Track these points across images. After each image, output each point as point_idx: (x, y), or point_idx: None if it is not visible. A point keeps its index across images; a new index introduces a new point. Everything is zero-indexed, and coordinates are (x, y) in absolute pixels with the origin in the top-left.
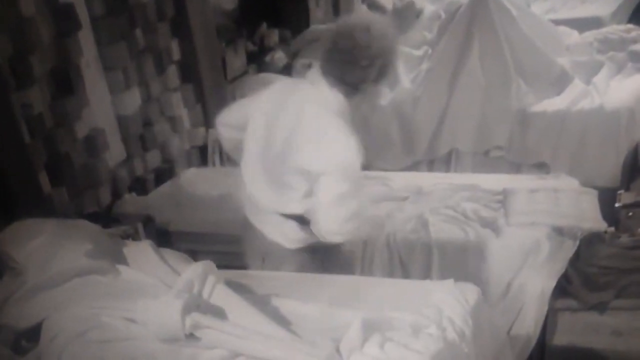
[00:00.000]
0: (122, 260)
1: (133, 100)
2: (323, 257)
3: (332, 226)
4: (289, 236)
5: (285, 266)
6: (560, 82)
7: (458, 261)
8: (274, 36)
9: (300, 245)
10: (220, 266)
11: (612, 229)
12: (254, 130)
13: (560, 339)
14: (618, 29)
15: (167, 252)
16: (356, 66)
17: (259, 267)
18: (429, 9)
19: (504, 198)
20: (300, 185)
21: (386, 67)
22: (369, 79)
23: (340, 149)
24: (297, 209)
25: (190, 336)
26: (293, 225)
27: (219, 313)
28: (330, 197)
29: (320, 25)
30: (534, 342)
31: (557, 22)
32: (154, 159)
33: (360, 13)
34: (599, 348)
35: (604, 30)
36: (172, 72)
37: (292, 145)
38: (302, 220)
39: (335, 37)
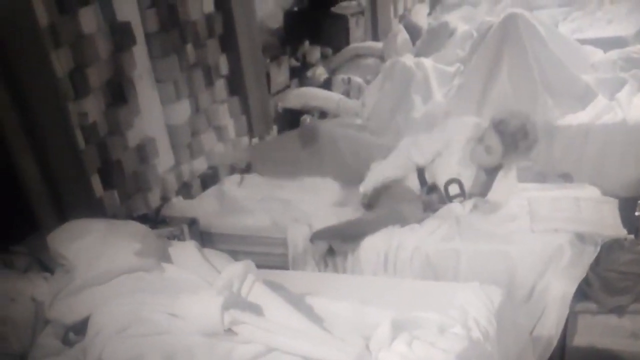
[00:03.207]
0: (168, 259)
1: (183, 111)
2: None
3: None
4: None
5: None
6: (585, 97)
7: (485, 265)
8: (315, 53)
9: None
10: (259, 266)
11: (632, 236)
12: None
13: (580, 340)
14: None
15: (210, 252)
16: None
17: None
18: (461, 28)
19: (529, 206)
20: None
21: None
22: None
23: None
24: None
25: (229, 331)
26: None
27: (256, 310)
28: None
29: (359, 43)
30: (555, 342)
31: (583, 42)
32: (200, 165)
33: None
34: (617, 349)
35: (627, 49)
36: (220, 85)
37: None
38: None
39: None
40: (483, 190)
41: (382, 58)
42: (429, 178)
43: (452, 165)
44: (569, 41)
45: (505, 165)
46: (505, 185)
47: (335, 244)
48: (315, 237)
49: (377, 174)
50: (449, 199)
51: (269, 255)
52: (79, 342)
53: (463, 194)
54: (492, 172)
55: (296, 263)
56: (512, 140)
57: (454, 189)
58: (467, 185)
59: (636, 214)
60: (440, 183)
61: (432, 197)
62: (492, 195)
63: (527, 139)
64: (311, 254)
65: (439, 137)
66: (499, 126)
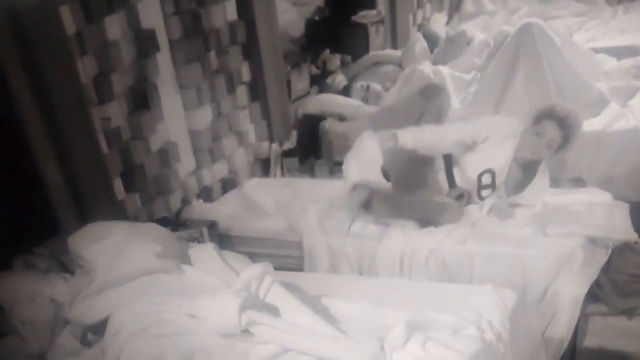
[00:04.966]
0: (187, 261)
1: (205, 116)
2: None
3: None
4: None
5: None
6: (598, 104)
7: (499, 268)
8: (335, 61)
9: None
10: (277, 268)
11: None
12: None
13: (591, 341)
14: None
15: (229, 255)
16: None
17: None
18: (479, 37)
19: (543, 210)
20: None
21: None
22: None
23: None
24: None
25: (246, 332)
26: None
27: (273, 311)
28: None
29: (378, 51)
30: (566, 344)
31: (597, 51)
32: (221, 169)
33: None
34: (627, 351)
35: None
36: (242, 92)
37: None
38: None
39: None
40: (517, 187)
41: (400, 66)
42: (459, 177)
43: (486, 159)
44: (583, 50)
45: (542, 165)
46: (541, 186)
47: (377, 194)
48: (357, 185)
49: (415, 133)
50: (480, 188)
51: (286, 257)
52: (97, 343)
53: (493, 186)
54: (527, 170)
55: (312, 267)
56: (574, 133)
57: (486, 179)
58: (500, 180)
59: None
60: (472, 176)
61: (460, 202)
62: (527, 194)
63: (579, 131)
64: (348, 202)
65: (478, 125)
66: (566, 120)
